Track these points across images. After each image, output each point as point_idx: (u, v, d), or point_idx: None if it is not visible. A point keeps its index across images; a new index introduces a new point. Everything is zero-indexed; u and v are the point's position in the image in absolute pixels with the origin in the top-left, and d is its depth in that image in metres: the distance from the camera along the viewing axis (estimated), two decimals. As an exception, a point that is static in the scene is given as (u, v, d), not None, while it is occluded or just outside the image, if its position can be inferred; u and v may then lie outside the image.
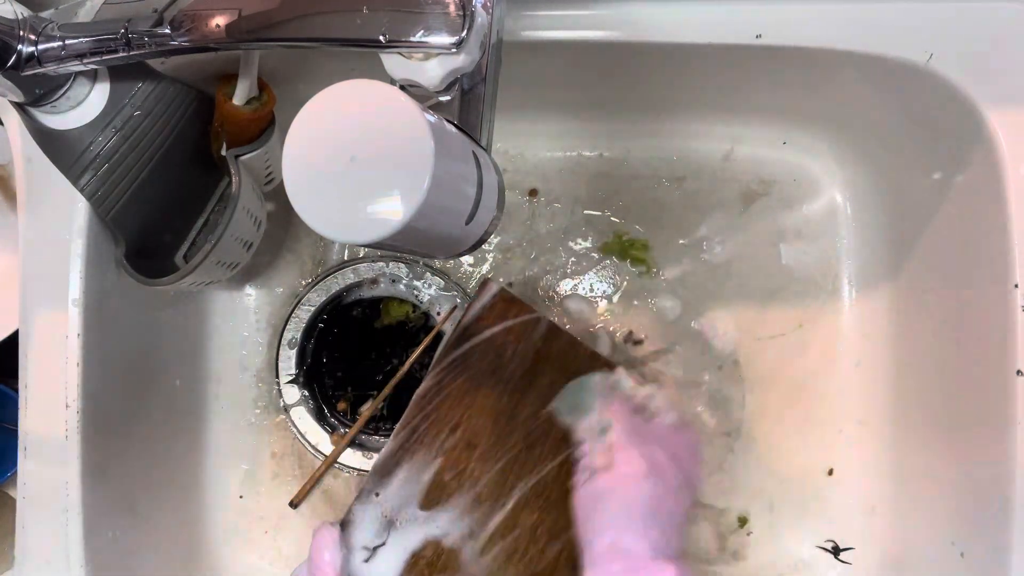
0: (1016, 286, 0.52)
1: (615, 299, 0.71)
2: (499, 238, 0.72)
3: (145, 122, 0.52)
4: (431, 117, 0.32)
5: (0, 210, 0.73)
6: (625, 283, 0.71)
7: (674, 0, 0.53)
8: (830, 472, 0.70)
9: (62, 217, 0.54)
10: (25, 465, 0.55)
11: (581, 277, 0.72)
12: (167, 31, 0.40)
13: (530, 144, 0.73)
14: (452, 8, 0.36)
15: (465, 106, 0.41)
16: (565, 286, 0.72)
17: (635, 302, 0.71)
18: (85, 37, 0.42)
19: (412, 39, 0.37)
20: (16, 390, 0.59)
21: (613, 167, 0.73)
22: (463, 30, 0.36)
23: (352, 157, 0.31)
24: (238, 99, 0.52)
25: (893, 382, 0.68)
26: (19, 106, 0.48)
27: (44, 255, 0.54)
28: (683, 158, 0.72)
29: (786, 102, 0.66)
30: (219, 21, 0.39)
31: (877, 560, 0.68)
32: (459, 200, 0.36)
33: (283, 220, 0.73)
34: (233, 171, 0.54)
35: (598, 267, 0.72)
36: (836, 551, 0.69)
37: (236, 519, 0.72)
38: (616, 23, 0.54)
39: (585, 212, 0.72)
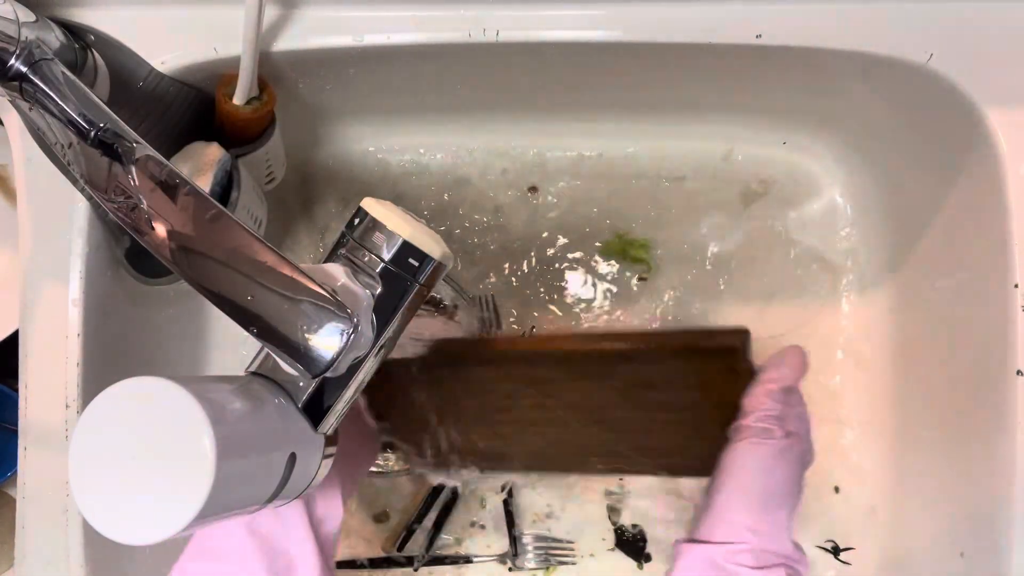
0: (1016, 286, 0.52)
1: (615, 299, 0.71)
2: (498, 237, 0.72)
3: (145, 122, 0.52)
4: (231, 418, 0.32)
5: (0, 210, 0.73)
6: (625, 283, 0.71)
7: (674, 0, 0.53)
8: (836, 490, 0.70)
9: (62, 217, 0.54)
10: (25, 465, 0.55)
11: (581, 276, 0.72)
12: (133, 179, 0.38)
13: (530, 143, 0.73)
14: (322, 349, 0.34)
15: (318, 392, 0.40)
16: (565, 286, 0.72)
17: (635, 301, 0.71)
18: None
19: (279, 351, 0.34)
20: (16, 390, 0.59)
21: (613, 167, 0.73)
22: (326, 369, 0.34)
23: (133, 457, 0.31)
24: (238, 99, 0.52)
25: (893, 382, 0.68)
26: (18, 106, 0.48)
27: (44, 255, 0.54)
28: (683, 158, 0.72)
29: (786, 102, 0.66)
30: (155, 223, 0.37)
31: (877, 560, 0.68)
32: (256, 489, 0.35)
33: (283, 220, 0.73)
34: (233, 171, 0.54)
35: (598, 267, 0.72)
36: (836, 551, 0.69)
37: (236, 519, 0.72)
38: (616, 23, 0.54)
39: (585, 212, 0.72)
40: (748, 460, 0.52)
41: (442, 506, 0.70)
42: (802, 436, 0.53)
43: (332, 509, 0.48)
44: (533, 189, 0.72)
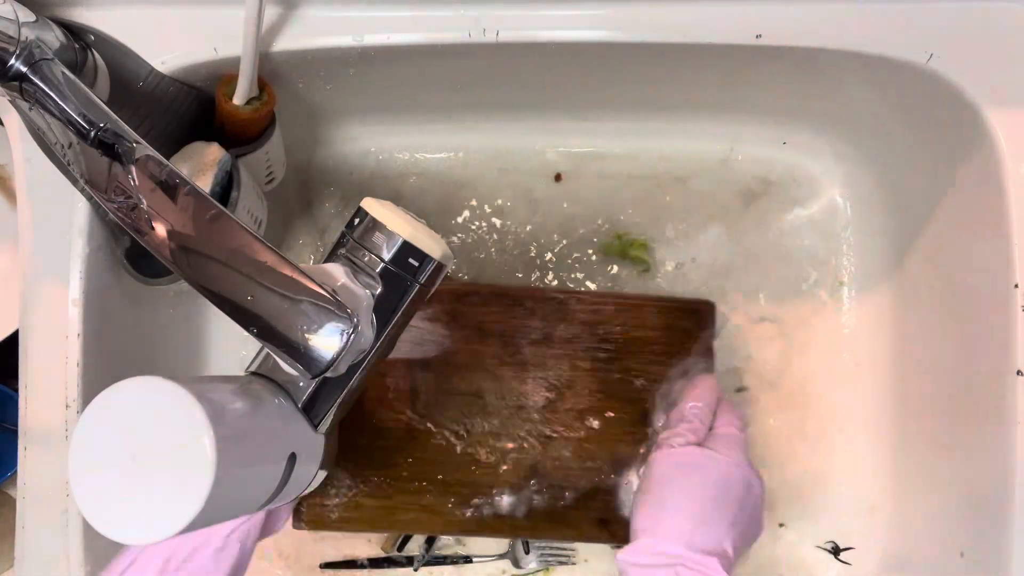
0: (1016, 286, 0.52)
1: (615, 299, 0.71)
2: (498, 237, 0.72)
3: (145, 122, 0.52)
4: (231, 418, 0.32)
5: (0, 210, 0.73)
6: (625, 283, 0.71)
7: (674, 0, 0.53)
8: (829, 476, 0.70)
9: (62, 217, 0.54)
10: (25, 465, 0.55)
11: (581, 276, 0.72)
12: (133, 179, 0.38)
13: (530, 143, 0.73)
14: (322, 349, 0.34)
15: (318, 392, 0.40)
16: (564, 286, 0.72)
17: (635, 302, 0.71)
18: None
19: (279, 351, 0.35)
20: (16, 390, 0.59)
21: (613, 167, 0.73)
22: (326, 369, 0.34)
23: (133, 457, 0.31)
24: (238, 99, 0.52)
25: (893, 382, 0.68)
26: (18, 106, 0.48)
27: (44, 255, 0.54)
28: (683, 158, 0.72)
29: (786, 102, 0.66)
30: (155, 223, 0.37)
31: (877, 560, 0.68)
32: (256, 489, 0.35)
33: (283, 220, 0.73)
34: (233, 171, 0.54)
35: (598, 267, 0.72)
36: (836, 551, 0.69)
37: (236, 519, 0.72)
38: (616, 23, 0.54)
39: (584, 212, 0.72)
40: (651, 468, 0.54)
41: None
42: (724, 454, 0.54)
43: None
44: (523, 192, 0.72)
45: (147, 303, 0.63)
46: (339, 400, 0.40)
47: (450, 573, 0.70)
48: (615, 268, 0.71)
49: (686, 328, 0.61)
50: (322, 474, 0.42)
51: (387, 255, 0.39)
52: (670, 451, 0.54)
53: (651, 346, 0.60)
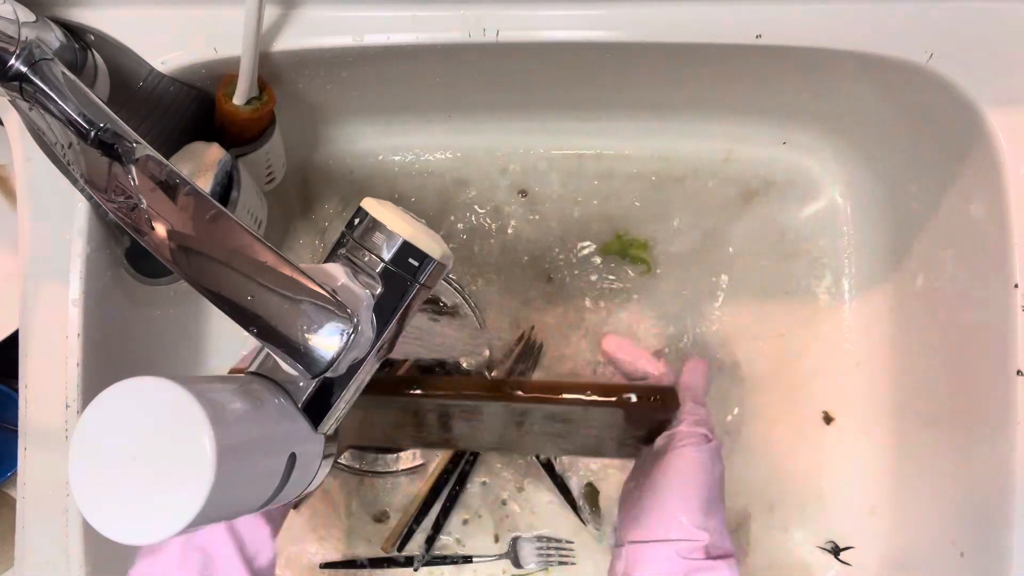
0: (1016, 286, 0.52)
1: (615, 299, 0.71)
2: (498, 236, 0.72)
3: (145, 122, 0.52)
4: (231, 418, 0.32)
5: (0, 210, 0.73)
6: (625, 283, 0.71)
7: (674, 0, 0.53)
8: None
9: (62, 217, 0.54)
10: (25, 465, 0.55)
11: (581, 276, 0.72)
12: (132, 179, 0.38)
13: (530, 143, 0.73)
14: (322, 349, 0.34)
15: (318, 392, 0.40)
16: (564, 286, 0.72)
17: (635, 301, 0.71)
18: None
19: (279, 351, 0.34)
20: (16, 390, 0.59)
21: (613, 167, 0.73)
22: (326, 369, 0.34)
23: (133, 457, 0.31)
24: (238, 99, 0.52)
25: (893, 382, 0.68)
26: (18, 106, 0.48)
27: (44, 255, 0.54)
28: (683, 158, 0.72)
29: (786, 102, 0.66)
30: (155, 223, 0.37)
31: (877, 560, 0.68)
32: (256, 489, 0.35)
33: (283, 220, 0.73)
34: (233, 171, 0.54)
35: (598, 266, 0.72)
36: (836, 551, 0.69)
37: (236, 519, 0.72)
38: (616, 23, 0.54)
39: (585, 212, 0.72)
40: (693, 464, 0.53)
41: (442, 506, 0.70)
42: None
43: (262, 545, 0.48)
44: (523, 192, 0.72)
45: (147, 303, 0.63)
46: (340, 400, 0.40)
47: (450, 573, 0.70)
48: (615, 267, 0.71)
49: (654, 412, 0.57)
50: (324, 472, 0.41)
51: (387, 255, 0.39)
52: (702, 447, 0.54)
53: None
